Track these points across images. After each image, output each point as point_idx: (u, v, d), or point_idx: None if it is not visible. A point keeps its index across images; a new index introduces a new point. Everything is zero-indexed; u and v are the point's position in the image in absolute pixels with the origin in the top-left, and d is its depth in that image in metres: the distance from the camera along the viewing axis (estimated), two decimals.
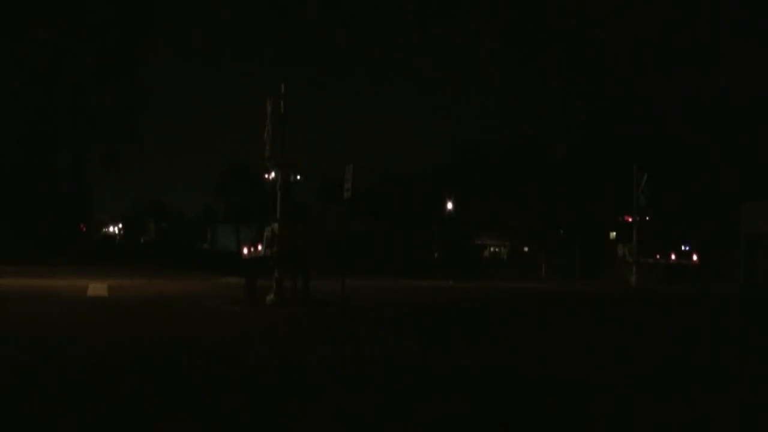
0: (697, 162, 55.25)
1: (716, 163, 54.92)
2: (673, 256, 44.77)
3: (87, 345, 13.14)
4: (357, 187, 24.14)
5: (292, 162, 23.20)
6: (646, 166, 43.82)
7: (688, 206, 46.92)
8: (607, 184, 55.01)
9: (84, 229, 69.94)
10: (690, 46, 64.04)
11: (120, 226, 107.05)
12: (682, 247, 55.65)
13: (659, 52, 65.14)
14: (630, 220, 44.72)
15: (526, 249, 65.44)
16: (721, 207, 51.86)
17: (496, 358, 12.86)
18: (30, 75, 51.61)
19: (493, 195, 62.32)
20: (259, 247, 23.56)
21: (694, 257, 44.20)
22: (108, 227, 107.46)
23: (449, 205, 52.19)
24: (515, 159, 65.15)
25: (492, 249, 70.62)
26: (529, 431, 8.02)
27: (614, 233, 57.17)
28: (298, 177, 23.32)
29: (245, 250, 26.59)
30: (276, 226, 22.45)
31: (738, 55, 60.79)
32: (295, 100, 23.97)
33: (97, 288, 24.93)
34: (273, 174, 22.90)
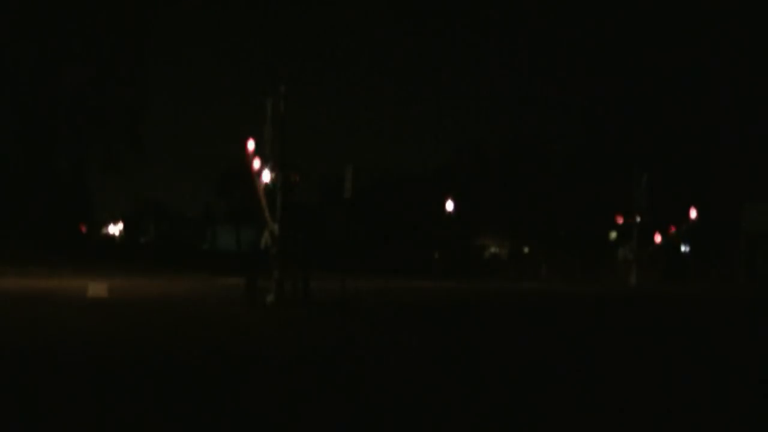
0: (697, 162, 55.27)
1: (716, 163, 54.93)
2: (658, 238, 43.70)
3: (87, 346, 13.13)
4: (357, 188, 24.17)
5: (292, 162, 23.24)
6: (646, 167, 43.82)
7: (688, 206, 46.90)
8: (607, 185, 55.04)
9: (84, 230, 69.90)
10: (690, 45, 64.02)
11: (120, 226, 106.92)
12: (682, 248, 55.65)
13: (659, 51, 65.10)
14: (630, 220, 44.71)
15: (526, 250, 65.47)
16: (721, 207, 51.88)
17: (491, 360, 12.88)
18: (30, 75, 51.63)
19: (493, 196, 62.36)
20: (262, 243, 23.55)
21: (692, 214, 42.43)
22: (108, 227, 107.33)
23: (449, 206, 52.18)
24: (515, 159, 65.18)
25: (492, 250, 70.66)
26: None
27: (614, 233, 57.20)
28: (298, 177, 23.35)
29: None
30: (276, 226, 22.46)
31: (738, 55, 60.78)
32: (295, 100, 23.97)
33: (97, 288, 24.91)
34: (272, 174, 22.91)
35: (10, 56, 50.75)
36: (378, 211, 63.77)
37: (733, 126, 57.05)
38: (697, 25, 65.76)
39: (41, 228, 52.26)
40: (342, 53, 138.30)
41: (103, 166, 54.78)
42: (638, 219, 43.69)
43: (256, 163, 23.20)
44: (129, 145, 54.15)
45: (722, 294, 35.98)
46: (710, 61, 61.93)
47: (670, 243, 44.10)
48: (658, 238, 43.51)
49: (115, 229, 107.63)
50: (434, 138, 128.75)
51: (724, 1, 66.09)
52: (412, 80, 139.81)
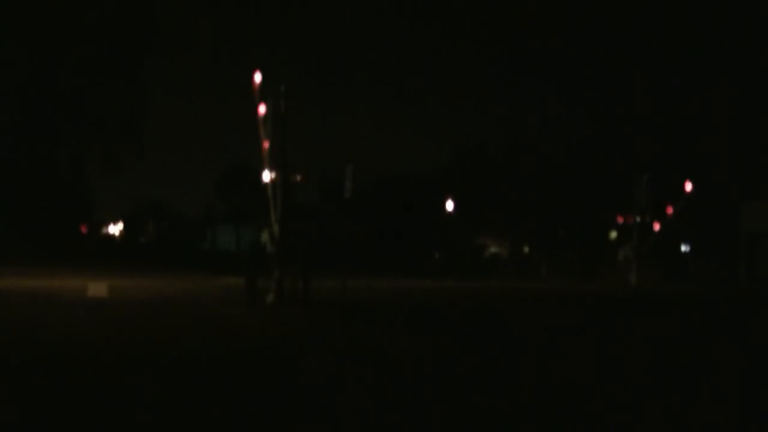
0: (697, 162, 55.23)
1: (716, 163, 54.89)
2: (656, 226, 43.08)
3: (86, 346, 13.13)
4: (357, 188, 24.17)
5: (292, 162, 23.27)
6: (646, 167, 43.77)
7: (688, 206, 46.95)
8: (607, 185, 55.01)
9: (84, 230, 69.89)
10: (689, 45, 64.02)
11: (120, 226, 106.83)
12: (682, 248, 55.60)
13: (659, 51, 65.10)
14: (630, 221, 44.61)
15: (526, 250, 65.45)
16: (721, 207, 51.86)
17: (487, 366, 12.86)
18: (30, 74, 51.60)
19: (493, 195, 62.31)
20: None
21: (688, 187, 41.18)
22: (108, 227, 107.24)
23: (450, 206, 52.19)
24: (516, 159, 65.13)
25: (492, 250, 70.62)
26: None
27: (614, 233, 57.15)
28: (298, 177, 23.37)
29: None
30: (276, 226, 22.46)
31: (738, 55, 60.73)
32: (295, 100, 23.97)
33: (97, 288, 24.92)
34: (272, 175, 22.91)
35: (10, 56, 50.74)
36: (378, 211, 63.72)
37: (734, 126, 56.98)
38: (698, 24, 65.69)
39: (41, 228, 52.23)
40: (342, 53, 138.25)
41: (103, 166, 54.74)
42: (638, 219, 43.60)
43: (262, 108, 23.00)
44: (129, 145, 54.11)
45: (722, 293, 35.98)
46: (710, 61, 61.84)
47: (669, 226, 43.56)
48: (656, 227, 43.12)
49: (115, 229, 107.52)
50: (434, 138, 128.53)
51: (724, 1, 66.06)
52: (413, 81, 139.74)
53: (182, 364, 11.55)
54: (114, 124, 53.69)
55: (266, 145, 22.70)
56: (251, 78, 23.12)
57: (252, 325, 17.27)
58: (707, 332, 18.79)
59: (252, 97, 23.06)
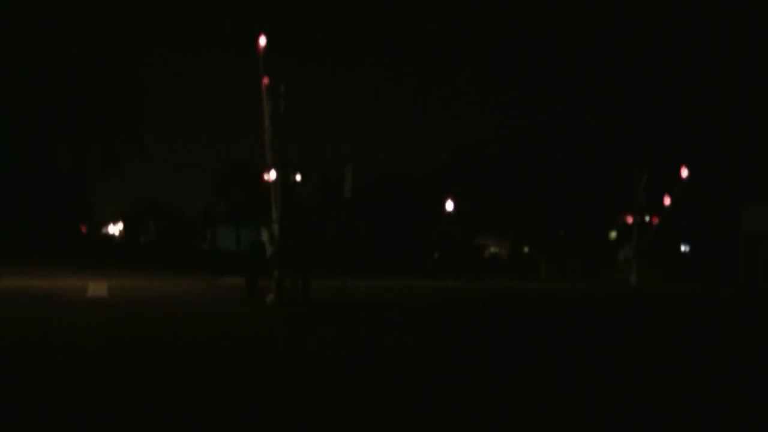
0: (697, 162, 55.25)
1: (716, 163, 54.89)
2: (655, 220, 42.85)
3: (86, 346, 13.13)
4: (357, 187, 24.18)
5: (292, 162, 23.26)
6: (646, 167, 43.73)
7: (688, 206, 46.94)
8: (607, 184, 55.03)
9: (84, 230, 69.87)
10: (689, 45, 64.09)
11: (120, 226, 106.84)
12: (682, 248, 55.61)
13: (658, 51, 65.14)
14: (630, 220, 44.56)
15: (526, 250, 65.45)
16: (721, 207, 51.86)
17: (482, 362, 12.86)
18: (29, 74, 51.62)
19: (493, 195, 62.33)
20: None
21: (684, 173, 40.84)
22: (108, 227, 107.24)
23: (449, 206, 52.17)
24: (515, 159, 65.14)
25: (492, 250, 70.60)
26: None
27: (614, 233, 57.17)
28: (298, 177, 23.38)
29: None
30: (276, 226, 22.47)
31: (737, 54, 60.77)
32: (295, 100, 23.97)
33: (97, 288, 24.91)
34: (272, 174, 22.91)
35: (10, 56, 50.75)
36: (378, 211, 63.73)
37: (734, 126, 57.02)
38: (698, 24, 65.78)
39: (41, 228, 52.22)
40: (342, 53, 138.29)
41: (103, 166, 54.74)
42: (638, 219, 43.55)
43: (266, 79, 22.84)
44: (129, 145, 54.12)
45: (722, 294, 36.00)
46: (710, 60, 61.88)
47: (668, 217, 43.37)
48: (655, 221, 42.94)
49: (115, 229, 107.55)
50: (434, 138, 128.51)
51: (725, 1, 66.15)
52: (413, 80, 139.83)
53: (182, 364, 11.55)
54: (114, 124, 53.69)
55: (267, 124, 22.52)
56: (256, 41, 22.73)
57: (252, 325, 17.27)
58: (705, 332, 18.80)
59: (256, 65, 22.63)
